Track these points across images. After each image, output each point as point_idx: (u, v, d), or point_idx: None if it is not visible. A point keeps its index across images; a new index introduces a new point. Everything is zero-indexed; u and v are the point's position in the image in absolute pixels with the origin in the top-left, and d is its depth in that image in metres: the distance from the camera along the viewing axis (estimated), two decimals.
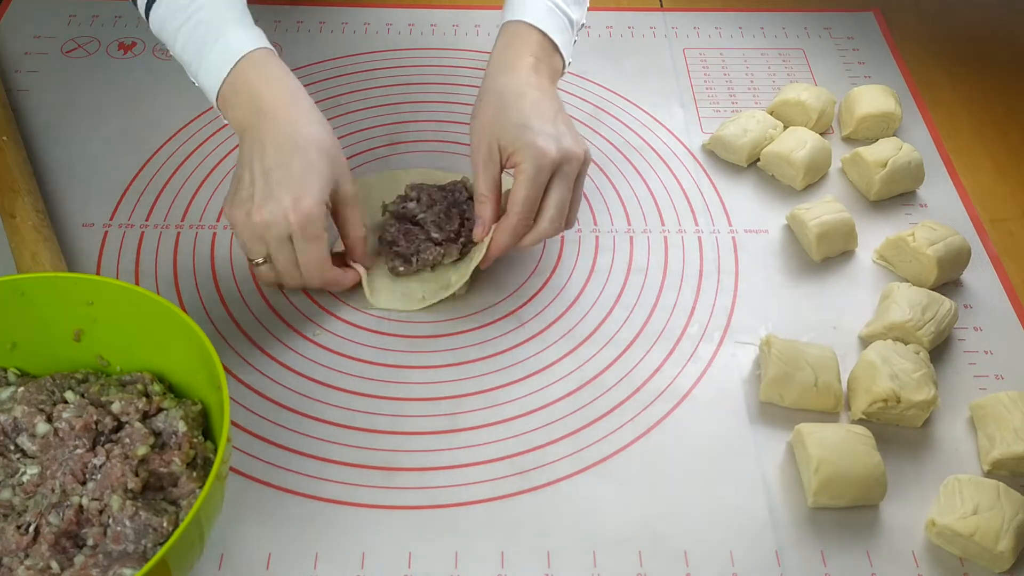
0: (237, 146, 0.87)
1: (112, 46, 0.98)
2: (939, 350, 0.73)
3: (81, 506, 0.54)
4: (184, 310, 0.60)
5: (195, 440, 0.58)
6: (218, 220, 0.81)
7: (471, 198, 0.77)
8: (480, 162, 0.71)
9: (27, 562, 0.52)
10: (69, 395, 0.59)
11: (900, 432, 0.68)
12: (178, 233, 0.80)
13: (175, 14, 0.70)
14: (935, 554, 0.62)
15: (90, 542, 0.53)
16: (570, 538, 0.62)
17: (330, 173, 0.67)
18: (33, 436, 0.57)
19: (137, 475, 0.55)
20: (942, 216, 0.83)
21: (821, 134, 0.88)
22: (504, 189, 0.72)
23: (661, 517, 0.63)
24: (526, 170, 0.68)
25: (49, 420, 0.57)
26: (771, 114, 0.90)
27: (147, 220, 0.81)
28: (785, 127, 0.88)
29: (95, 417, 0.57)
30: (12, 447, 0.57)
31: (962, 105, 0.96)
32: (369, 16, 1.03)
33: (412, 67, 0.97)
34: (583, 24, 0.78)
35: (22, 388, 0.59)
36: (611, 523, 0.63)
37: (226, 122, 0.71)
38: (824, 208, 0.79)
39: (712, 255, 0.80)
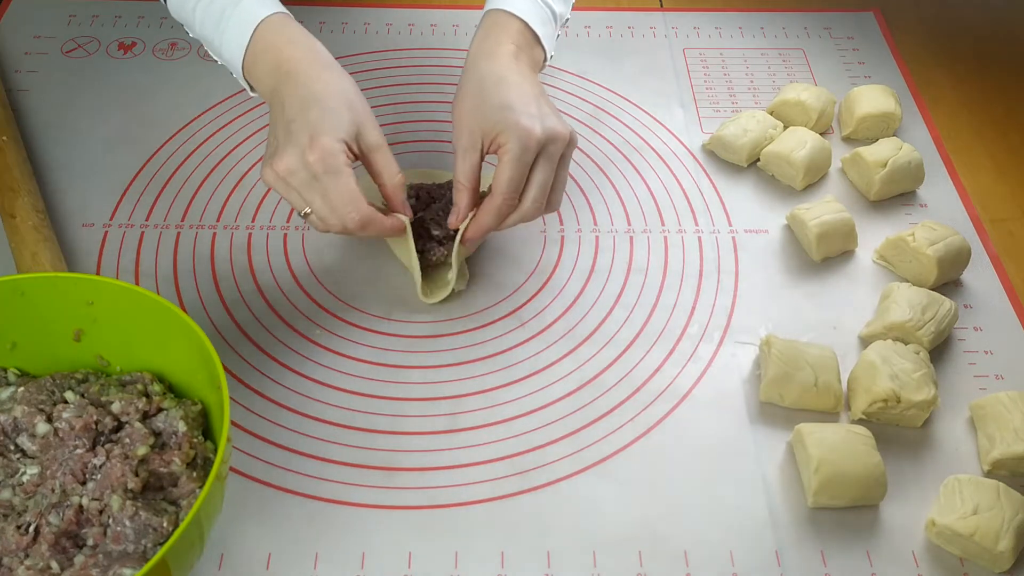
0: (238, 146, 0.88)
1: (112, 46, 0.98)
2: (939, 350, 0.73)
3: (81, 506, 0.54)
4: (184, 310, 0.60)
5: (195, 440, 0.58)
6: (218, 220, 0.81)
7: None
8: (460, 149, 0.70)
9: (27, 562, 0.52)
10: (69, 395, 0.59)
11: (900, 432, 0.68)
12: (178, 233, 0.80)
13: None
14: (935, 554, 0.62)
15: (90, 542, 0.53)
16: (570, 538, 0.62)
17: (350, 116, 0.66)
18: (33, 436, 0.57)
19: (137, 475, 0.55)
20: (942, 216, 0.83)
21: (821, 134, 0.88)
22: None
23: (661, 517, 0.63)
24: (511, 150, 0.67)
25: (49, 420, 0.57)
26: (771, 114, 0.90)
27: (147, 220, 0.81)
28: (785, 127, 0.88)
29: (95, 417, 0.57)
30: (12, 447, 0.57)
31: (962, 105, 0.96)
32: (369, 16, 1.03)
33: (412, 67, 0.97)
34: (567, 19, 0.78)
35: (22, 388, 0.59)
36: (611, 523, 0.63)
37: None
38: (824, 208, 0.79)
39: (712, 255, 0.80)
